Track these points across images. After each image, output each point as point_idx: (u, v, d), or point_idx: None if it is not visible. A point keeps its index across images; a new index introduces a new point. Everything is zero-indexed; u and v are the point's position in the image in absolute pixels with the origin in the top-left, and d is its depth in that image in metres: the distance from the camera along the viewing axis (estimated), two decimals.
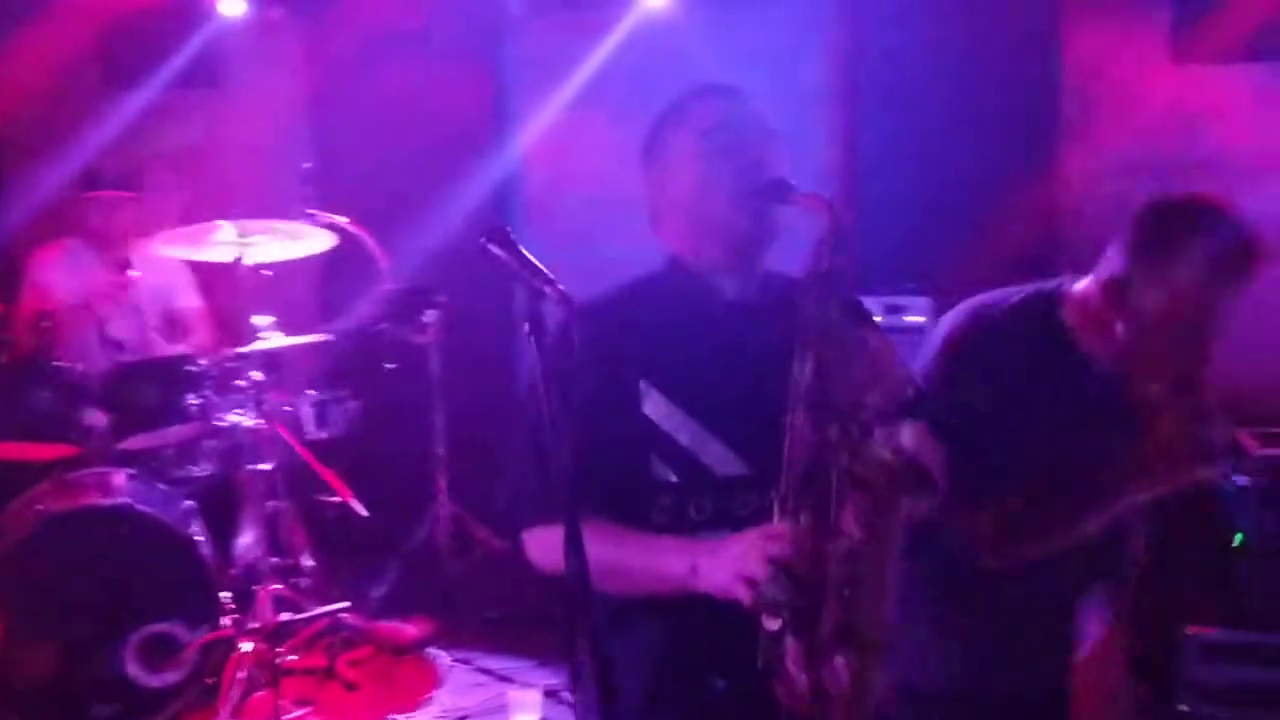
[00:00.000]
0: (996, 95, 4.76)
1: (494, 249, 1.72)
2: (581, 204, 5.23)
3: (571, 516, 1.59)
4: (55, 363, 3.72)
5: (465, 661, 4.08)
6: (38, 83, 5.07)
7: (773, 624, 1.62)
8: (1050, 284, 2.20)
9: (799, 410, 1.66)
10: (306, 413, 4.30)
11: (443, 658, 4.10)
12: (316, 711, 3.67)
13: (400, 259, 4.60)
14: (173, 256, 4.40)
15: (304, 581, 4.15)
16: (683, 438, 1.85)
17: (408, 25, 4.98)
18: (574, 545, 1.59)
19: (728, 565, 1.66)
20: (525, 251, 1.72)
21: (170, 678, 3.55)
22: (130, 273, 3.92)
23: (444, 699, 3.78)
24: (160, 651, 3.55)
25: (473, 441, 4.82)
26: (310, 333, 4.42)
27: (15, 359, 3.67)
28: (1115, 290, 2.03)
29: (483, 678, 3.96)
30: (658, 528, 1.85)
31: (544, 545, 1.85)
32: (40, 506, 3.49)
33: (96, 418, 3.80)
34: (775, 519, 1.67)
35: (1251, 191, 4.84)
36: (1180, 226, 2.01)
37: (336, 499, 4.29)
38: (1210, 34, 4.75)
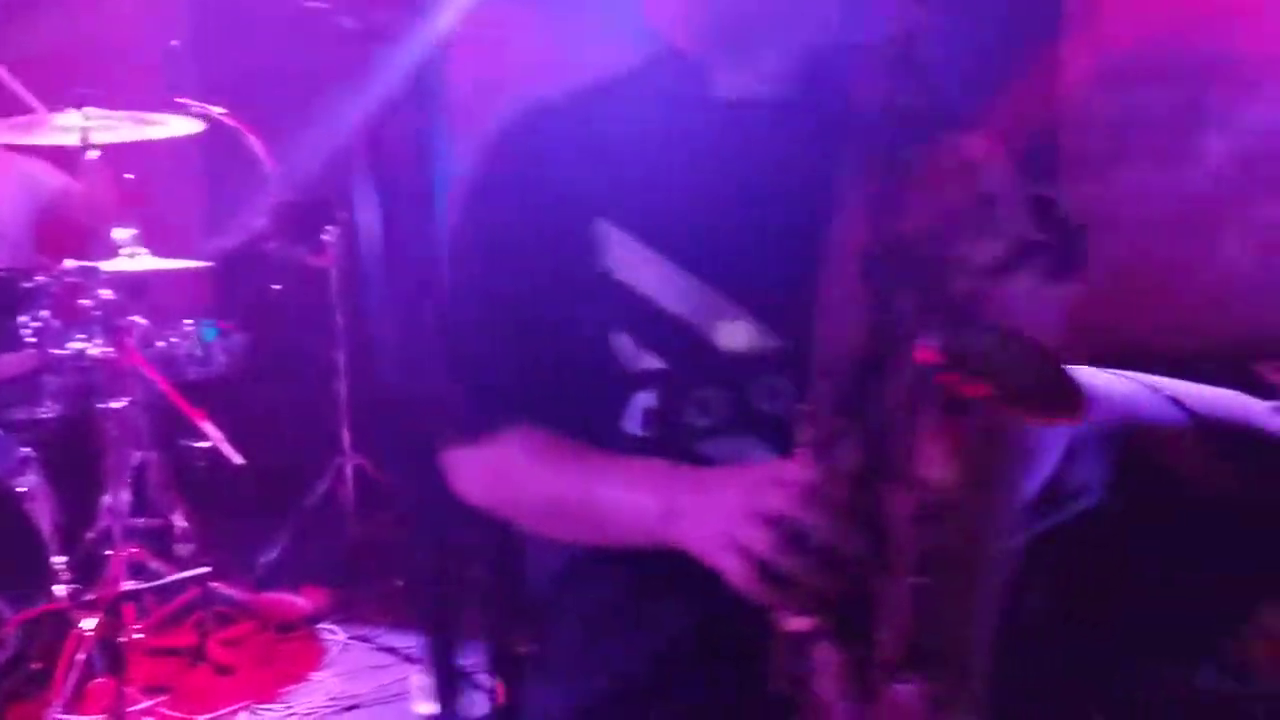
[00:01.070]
0: None
1: None
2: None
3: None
4: None
5: (365, 639, 3.44)
6: None
7: (797, 623, 0.99)
8: None
9: (846, 263, 1.00)
10: (183, 348, 3.64)
11: (337, 635, 3.45)
12: (172, 701, 3.01)
13: (296, 167, 3.91)
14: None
15: (178, 546, 3.52)
16: (668, 299, 1.21)
17: None
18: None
19: (714, 517, 1.03)
20: None
21: None
22: None
23: (332, 684, 3.13)
24: None
25: (382, 383, 4.15)
26: (187, 251, 3.75)
27: None
28: None
29: (385, 658, 3.33)
30: (640, 445, 1.22)
31: (469, 472, 1.28)
32: None
33: None
34: (798, 447, 1.02)
35: None
36: None
37: (207, 444, 3.61)
38: None
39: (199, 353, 3.68)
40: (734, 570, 1.00)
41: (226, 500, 3.81)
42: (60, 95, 3.17)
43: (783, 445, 1.08)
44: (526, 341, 1.24)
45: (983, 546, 1.01)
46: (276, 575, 3.70)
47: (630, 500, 1.14)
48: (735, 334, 1.20)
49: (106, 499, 3.64)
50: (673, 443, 1.20)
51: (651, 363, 1.22)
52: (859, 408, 0.99)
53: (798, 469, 1.00)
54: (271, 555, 3.77)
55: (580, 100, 1.34)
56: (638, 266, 1.21)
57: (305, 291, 3.92)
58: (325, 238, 3.91)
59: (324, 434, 4.02)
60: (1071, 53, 4.33)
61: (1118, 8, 4.29)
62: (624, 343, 1.22)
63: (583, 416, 1.23)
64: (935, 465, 0.96)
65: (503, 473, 1.24)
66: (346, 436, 4.02)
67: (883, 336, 0.98)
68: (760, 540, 0.98)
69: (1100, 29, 4.31)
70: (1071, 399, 0.97)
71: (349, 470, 4.01)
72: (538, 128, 1.32)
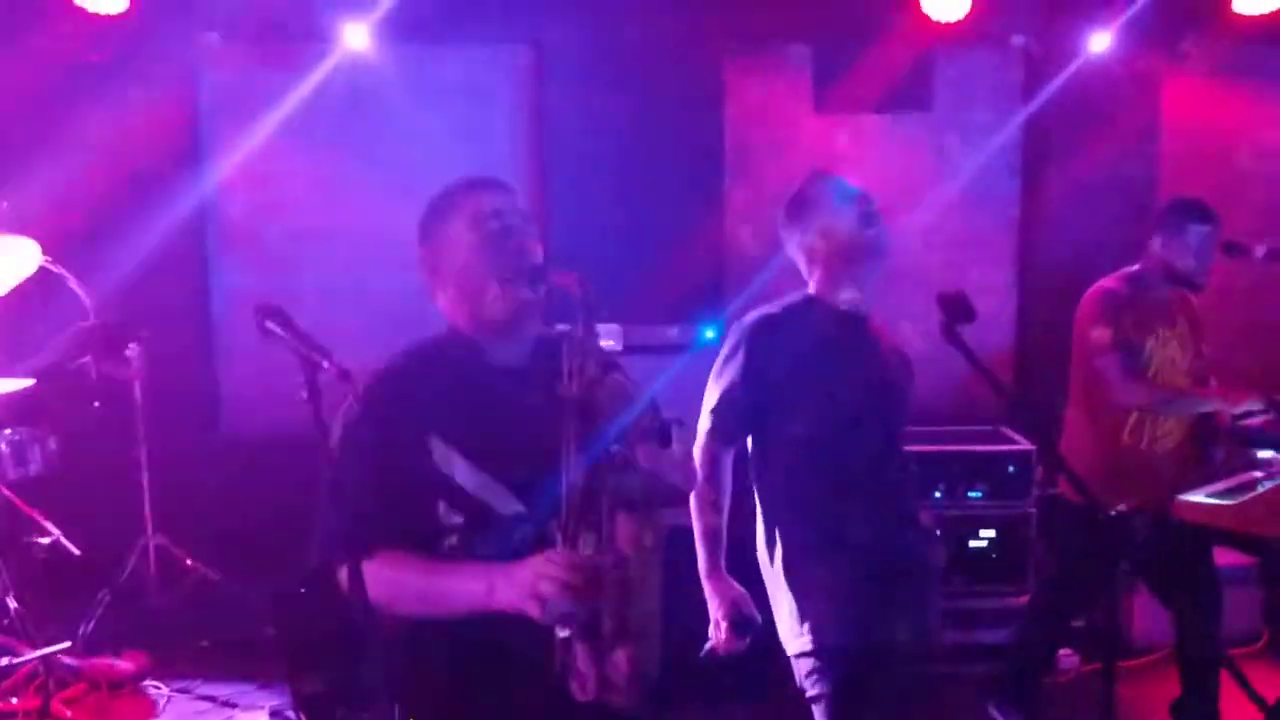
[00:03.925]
0: (670, 141, 5.29)
1: (272, 326, 1.95)
2: (280, 235, 5.38)
3: (354, 556, 1.88)
4: None
5: (185, 691, 4.17)
6: None
7: (563, 632, 1.96)
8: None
9: (571, 451, 1.99)
10: (3, 452, 4.24)
11: (161, 689, 4.16)
12: None
13: (98, 293, 4.59)
14: None
15: (8, 624, 4.12)
16: (468, 484, 2.12)
17: (97, 55, 4.92)
18: (357, 581, 1.87)
19: (520, 585, 1.96)
20: (300, 326, 1.95)
21: None
22: None
23: None
24: None
25: (178, 473, 4.87)
26: (2, 370, 4.36)
27: None
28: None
29: (205, 705, 4.07)
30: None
31: (362, 580, 2.04)
32: None
33: None
34: (560, 545, 1.99)
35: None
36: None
37: (43, 540, 4.25)
38: (846, 89, 5.48)
39: (16, 455, 4.30)
40: (534, 609, 1.94)
41: (48, 581, 4.44)
42: None
43: None
44: (388, 503, 2.11)
45: (648, 580, 2.04)
46: (97, 642, 4.35)
47: (466, 587, 2.05)
48: (503, 504, 2.13)
49: None
50: None
51: (456, 519, 2.13)
52: (586, 523, 1.98)
53: (559, 555, 1.96)
54: (89, 626, 4.40)
55: (410, 363, 2.24)
56: (452, 464, 2.13)
57: (111, 399, 4.59)
58: (128, 353, 4.60)
59: (129, 519, 4.70)
60: (732, 192, 5.58)
61: (762, 161, 5.57)
62: (442, 506, 2.13)
63: (419, 546, 2.12)
64: (624, 544, 1.99)
65: (381, 578, 2.04)
66: (149, 521, 4.71)
67: (591, 485, 2.00)
68: (545, 591, 1.92)
69: (752, 175, 5.57)
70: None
71: (151, 549, 4.71)
72: (387, 381, 2.20)
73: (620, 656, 1.97)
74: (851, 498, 2.76)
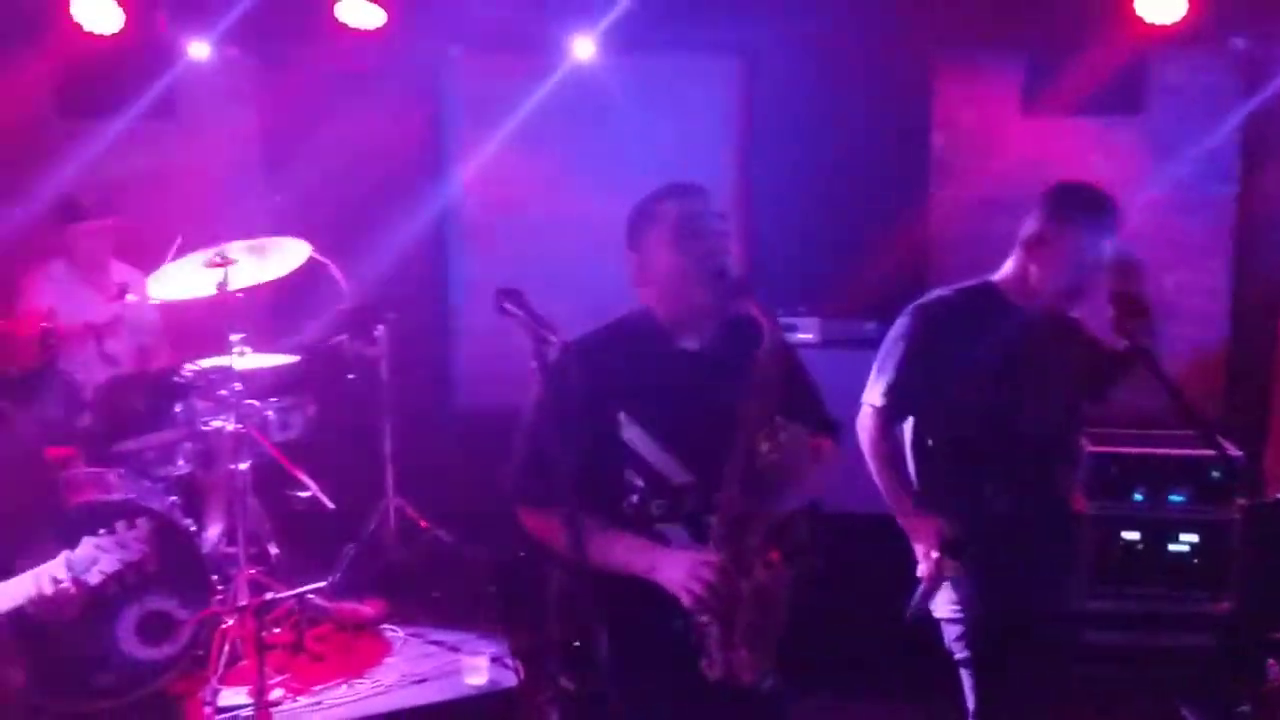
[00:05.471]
0: (876, 142, 5.49)
1: (509, 307, 2.31)
2: (514, 228, 5.87)
3: (571, 512, 2.23)
4: (60, 375, 4.21)
5: (418, 635, 4.67)
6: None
7: (704, 617, 2.32)
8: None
9: (734, 484, 2.34)
10: (270, 417, 4.83)
11: (398, 633, 4.67)
12: (292, 679, 4.22)
13: (352, 279, 5.15)
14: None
15: (270, 567, 4.71)
16: (649, 455, 2.45)
17: (355, 66, 5.51)
18: (572, 532, 2.22)
19: (677, 574, 2.33)
20: (533, 307, 2.31)
21: (167, 650, 4.07)
22: (128, 297, 4.43)
23: (402, 666, 4.36)
24: (158, 628, 4.07)
25: (417, 442, 5.40)
26: (272, 346, 4.96)
27: (26, 372, 4.15)
28: (1036, 244, 2.94)
29: (433, 648, 4.55)
30: (626, 518, 2.46)
31: (537, 524, 2.49)
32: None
33: (93, 423, 4.30)
34: (712, 548, 2.35)
35: None
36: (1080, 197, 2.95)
37: (302, 494, 4.83)
38: (1055, 92, 5.54)
39: (282, 420, 4.90)
40: (685, 598, 2.30)
41: (302, 532, 5.03)
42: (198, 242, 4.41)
43: (693, 527, 2.40)
44: (576, 463, 2.34)
45: (781, 594, 2.32)
46: (342, 589, 4.91)
47: (632, 558, 2.39)
48: (676, 473, 2.45)
49: (210, 532, 4.85)
50: (643, 521, 2.45)
51: (636, 481, 2.45)
52: (736, 538, 2.31)
53: (710, 554, 2.32)
54: (337, 574, 4.97)
55: (604, 341, 2.56)
56: (635, 435, 2.44)
57: (360, 374, 5.16)
58: (376, 334, 5.15)
59: (373, 482, 5.26)
60: (937, 193, 5.72)
61: (969, 163, 5.68)
62: (627, 471, 2.45)
63: (604, 501, 2.43)
64: (764, 574, 2.29)
65: (553, 529, 2.38)
66: (390, 484, 5.25)
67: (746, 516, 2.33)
68: (696, 585, 2.28)
69: (957, 175, 5.70)
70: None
71: (391, 509, 5.25)
72: (584, 355, 2.47)
73: (744, 656, 2.30)
74: (1007, 477, 2.93)
